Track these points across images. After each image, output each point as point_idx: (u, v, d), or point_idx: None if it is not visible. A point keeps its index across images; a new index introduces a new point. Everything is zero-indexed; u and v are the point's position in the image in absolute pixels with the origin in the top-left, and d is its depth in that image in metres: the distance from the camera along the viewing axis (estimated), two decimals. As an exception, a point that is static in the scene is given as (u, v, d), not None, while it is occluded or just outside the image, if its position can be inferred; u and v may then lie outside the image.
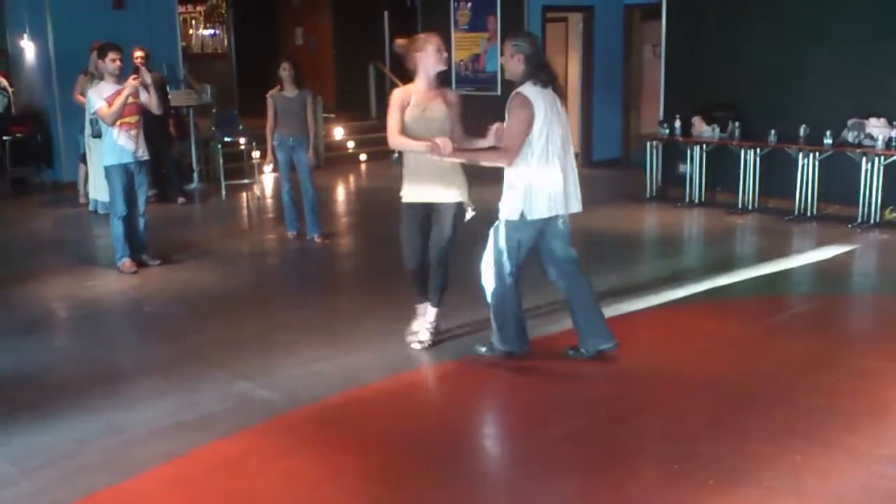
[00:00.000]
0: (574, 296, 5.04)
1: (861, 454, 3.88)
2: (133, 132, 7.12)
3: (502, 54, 4.87)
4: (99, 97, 7.03)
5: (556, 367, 5.09)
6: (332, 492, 3.68)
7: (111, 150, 7.10)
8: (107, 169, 7.17)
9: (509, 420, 4.53)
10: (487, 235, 4.97)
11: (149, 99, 7.23)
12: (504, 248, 4.87)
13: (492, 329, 5.07)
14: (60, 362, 5.41)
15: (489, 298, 5.04)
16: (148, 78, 7.30)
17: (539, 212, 4.77)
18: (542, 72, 4.75)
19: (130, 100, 7.05)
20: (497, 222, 4.90)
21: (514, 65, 4.75)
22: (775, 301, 6.44)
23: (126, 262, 7.27)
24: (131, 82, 7.04)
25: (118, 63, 7.07)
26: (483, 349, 5.16)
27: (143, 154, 7.24)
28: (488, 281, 5.01)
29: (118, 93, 7.03)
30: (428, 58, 4.98)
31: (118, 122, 7.01)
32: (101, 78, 7.23)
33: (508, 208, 4.81)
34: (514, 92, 4.74)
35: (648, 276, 7.05)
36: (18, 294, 6.80)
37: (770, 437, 4.05)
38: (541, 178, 4.73)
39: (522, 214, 4.76)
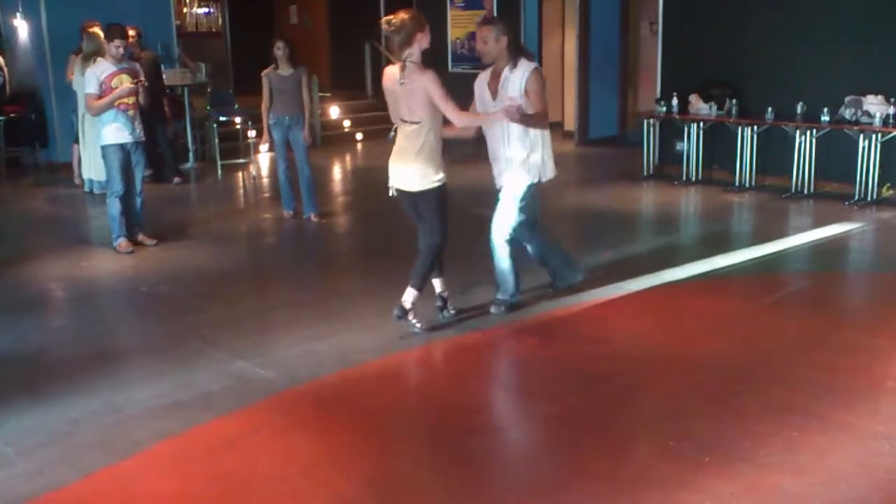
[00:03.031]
0: (546, 248, 5.73)
1: (857, 431, 3.89)
2: (130, 112, 7.11)
3: (484, 41, 5.20)
4: (95, 79, 7.00)
5: (552, 346, 5.10)
6: (329, 470, 3.69)
7: (108, 130, 7.07)
8: (104, 148, 7.16)
9: (506, 399, 4.54)
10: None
11: (141, 95, 7.27)
12: (520, 211, 5.34)
13: (502, 287, 5.51)
14: (57, 342, 5.40)
15: (505, 258, 5.41)
16: (142, 98, 7.31)
17: (549, 174, 5.39)
18: (524, 49, 5.35)
19: (127, 83, 7.03)
20: (516, 189, 5.30)
21: (500, 47, 5.19)
22: (772, 279, 6.44)
23: (122, 243, 7.26)
24: (128, 86, 7.05)
25: (122, 51, 7.08)
26: (498, 308, 5.50)
27: (140, 134, 7.23)
28: (503, 243, 5.38)
29: (114, 75, 7.00)
30: (427, 37, 4.93)
31: (116, 102, 6.99)
32: (101, 55, 7.22)
33: (532, 173, 5.29)
34: (533, 68, 5.19)
35: (645, 255, 7.04)
36: (14, 274, 6.79)
37: (766, 414, 4.06)
38: (546, 147, 5.32)
39: (540, 178, 5.33)
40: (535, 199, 5.45)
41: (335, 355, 4.92)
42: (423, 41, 4.91)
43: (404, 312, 5.16)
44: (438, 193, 5.04)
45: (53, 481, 3.60)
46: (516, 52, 5.23)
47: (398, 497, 3.49)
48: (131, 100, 7.12)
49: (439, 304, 5.40)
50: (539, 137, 5.26)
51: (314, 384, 4.57)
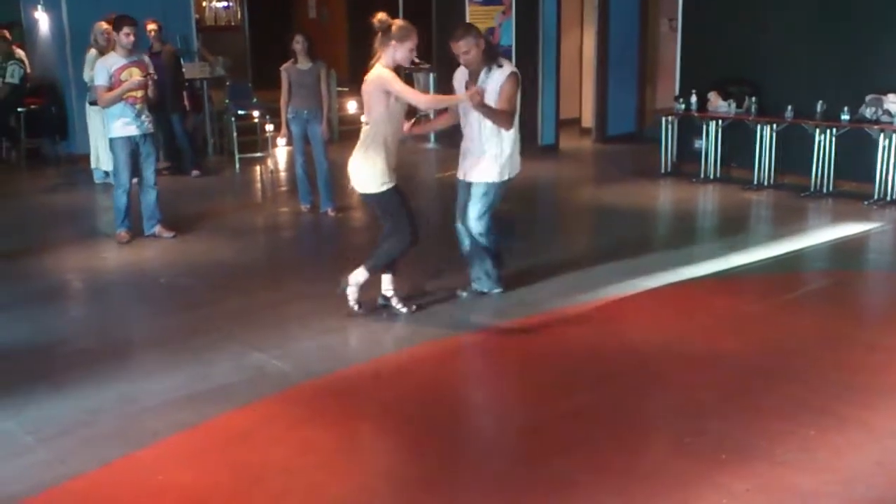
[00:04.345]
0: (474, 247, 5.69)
1: (875, 430, 3.87)
2: (138, 106, 7.14)
3: (466, 52, 5.26)
4: (105, 71, 7.04)
5: (566, 342, 5.09)
6: (345, 463, 3.70)
7: (116, 123, 7.12)
8: (111, 141, 7.24)
9: (520, 394, 4.54)
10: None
11: (150, 88, 7.26)
12: (494, 205, 5.52)
13: (489, 275, 5.71)
14: (76, 333, 5.44)
15: (489, 248, 5.62)
16: (151, 91, 7.29)
17: (513, 172, 5.50)
18: (498, 53, 5.50)
19: (136, 77, 7.06)
20: (485, 185, 5.43)
21: (480, 51, 5.28)
22: (790, 278, 6.41)
23: (121, 233, 7.35)
24: (137, 78, 7.07)
25: (132, 38, 7.09)
26: (482, 288, 5.76)
27: (148, 126, 7.25)
28: (481, 235, 5.56)
29: (123, 68, 7.04)
30: (404, 51, 5.02)
31: (125, 95, 7.03)
32: (101, 49, 7.26)
33: (499, 171, 5.42)
34: (510, 72, 5.27)
35: (662, 252, 7.02)
36: (34, 265, 6.84)
37: (783, 412, 4.04)
38: (515, 145, 5.45)
39: (509, 175, 5.47)
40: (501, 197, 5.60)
41: (351, 348, 4.95)
42: (398, 52, 5.01)
43: (350, 286, 5.39)
44: (384, 200, 5.16)
45: (73, 469, 3.63)
46: (493, 52, 5.39)
47: (413, 490, 3.50)
48: (140, 93, 7.14)
49: (382, 302, 5.48)
50: (511, 137, 5.38)
51: (330, 377, 4.58)
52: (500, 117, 5.23)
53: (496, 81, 5.25)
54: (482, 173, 5.44)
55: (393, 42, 4.99)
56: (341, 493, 3.46)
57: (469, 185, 5.52)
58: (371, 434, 3.96)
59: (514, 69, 5.33)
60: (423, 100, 5.14)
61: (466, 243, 5.69)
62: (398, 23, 5.06)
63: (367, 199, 5.28)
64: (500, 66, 5.30)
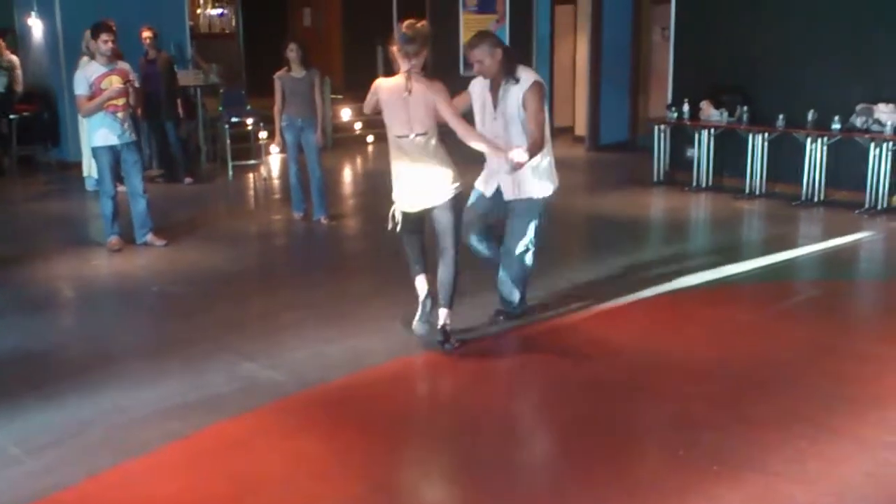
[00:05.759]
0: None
1: (867, 441, 3.87)
2: (120, 114, 7.10)
3: (479, 61, 4.97)
4: (84, 80, 7.01)
5: (560, 351, 5.08)
6: (338, 473, 3.69)
7: (97, 132, 7.10)
8: (94, 150, 7.25)
9: (513, 404, 4.53)
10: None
11: (131, 96, 7.20)
12: (539, 223, 5.21)
13: (518, 297, 5.42)
14: (66, 341, 5.42)
15: (521, 269, 5.30)
16: (132, 99, 7.25)
17: (556, 181, 5.23)
18: (517, 64, 5.06)
19: (117, 84, 7.02)
20: (531, 203, 5.14)
21: (496, 61, 4.97)
22: (782, 287, 6.42)
23: (112, 240, 7.33)
24: (118, 86, 7.03)
25: (110, 45, 7.04)
26: (496, 318, 5.48)
27: (130, 135, 7.22)
28: (522, 256, 5.26)
29: (103, 76, 7.01)
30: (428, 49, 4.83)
31: (105, 104, 7.01)
32: (93, 57, 7.24)
33: (546, 186, 5.16)
34: (532, 81, 4.95)
35: (654, 262, 7.02)
36: (25, 273, 6.81)
37: (775, 423, 4.04)
38: (551, 156, 5.19)
39: (553, 186, 5.21)
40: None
41: (345, 358, 4.93)
42: (427, 53, 4.79)
43: (446, 336, 5.00)
44: (457, 200, 4.86)
45: (61, 481, 3.61)
46: (512, 62, 5.02)
47: (406, 501, 3.49)
48: (121, 101, 7.10)
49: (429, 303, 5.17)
50: (547, 145, 5.08)
51: (323, 387, 4.57)
52: (535, 150, 4.82)
53: (516, 95, 4.96)
54: (529, 193, 5.11)
55: (427, 44, 4.70)
56: (335, 503, 3.45)
57: (505, 202, 5.18)
58: (366, 444, 3.94)
59: (538, 77, 5.01)
60: (468, 134, 4.69)
61: (483, 248, 5.36)
62: (424, 24, 4.77)
63: (442, 207, 4.84)
64: (518, 80, 4.96)
